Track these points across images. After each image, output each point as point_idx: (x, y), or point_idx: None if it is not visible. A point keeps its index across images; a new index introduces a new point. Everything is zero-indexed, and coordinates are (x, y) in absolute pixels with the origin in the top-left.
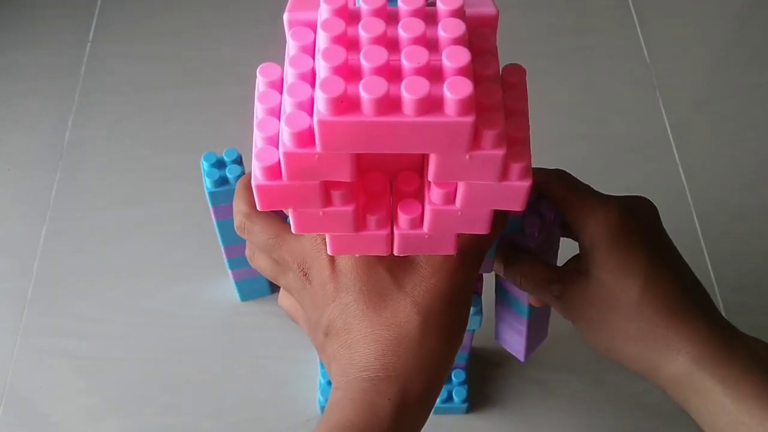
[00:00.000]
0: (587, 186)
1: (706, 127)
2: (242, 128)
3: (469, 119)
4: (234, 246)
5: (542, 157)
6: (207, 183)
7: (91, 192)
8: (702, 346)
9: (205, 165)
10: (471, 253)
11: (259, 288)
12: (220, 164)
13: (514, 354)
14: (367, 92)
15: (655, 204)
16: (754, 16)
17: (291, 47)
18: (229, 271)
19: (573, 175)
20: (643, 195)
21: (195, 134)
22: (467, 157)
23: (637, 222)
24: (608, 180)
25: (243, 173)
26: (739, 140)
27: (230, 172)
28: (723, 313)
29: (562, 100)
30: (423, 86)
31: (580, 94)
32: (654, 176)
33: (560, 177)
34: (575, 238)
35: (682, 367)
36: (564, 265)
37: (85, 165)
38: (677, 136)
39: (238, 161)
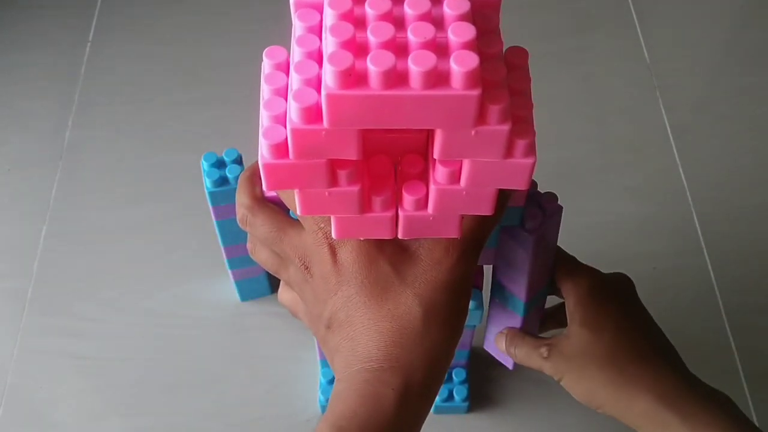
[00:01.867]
0: (573, 257)
1: (706, 127)
2: (242, 128)
3: (476, 92)
4: (234, 246)
5: (542, 157)
6: (207, 183)
7: (91, 192)
8: (665, 386)
9: (205, 165)
10: (470, 245)
11: (259, 288)
12: (220, 164)
13: (502, 361)
14: (375, 65)
15: (632, 279)
16: (754, 16)
17: (297, 28)
18: (229, 271)
19: (572, 174)
20: (642, 195)
21: (195, 134)
22: (473, 132)
23: (615, 289)
24: (608, 180)
25: None
26: (739, 140)
27: (230, 172)
28: (723, 313)
29: (562, 100)
30: (430, 59)
31: (580, 94)
32: (654, 176)
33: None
34: (561, 297)
35: (650, 405)
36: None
37: (85, 165)
38: (677, 136)
39: (238, 161)
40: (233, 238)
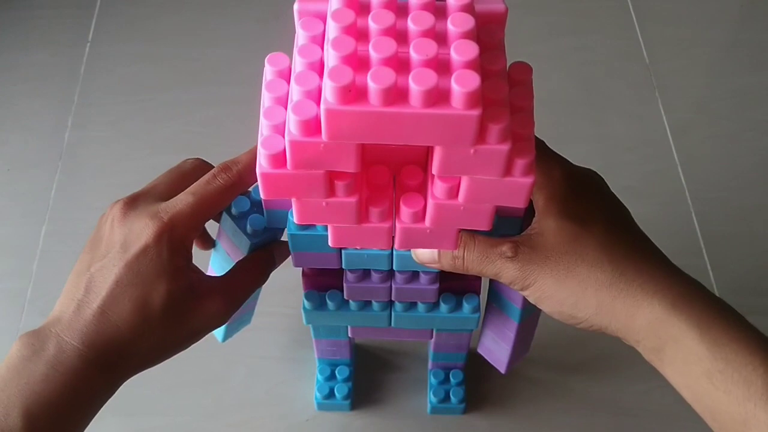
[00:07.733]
0: (541, 141)
1: (705, 127)
2: (242, 128)
3: (476, 113)
4: None
5: None
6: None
7: (91, 192)
8: (677, 290)
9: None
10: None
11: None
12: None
13: (495, 365)
14: (375, 82)
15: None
16: (754, 16)
17: (300, 37)
18: None
19: None
20: (642, 195)
21: (195, 134)
22: (472, 151)
23: (589, 181)
24: (608, 180)
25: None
26: (738, 140)
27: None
28: None
29: (562, 100)
30: (430, 78)
31: (579, 94)
32: (653, 176)
33: None
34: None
35: (658, 312)
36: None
37: (85, 165)
38: (677, 136)
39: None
40: None
